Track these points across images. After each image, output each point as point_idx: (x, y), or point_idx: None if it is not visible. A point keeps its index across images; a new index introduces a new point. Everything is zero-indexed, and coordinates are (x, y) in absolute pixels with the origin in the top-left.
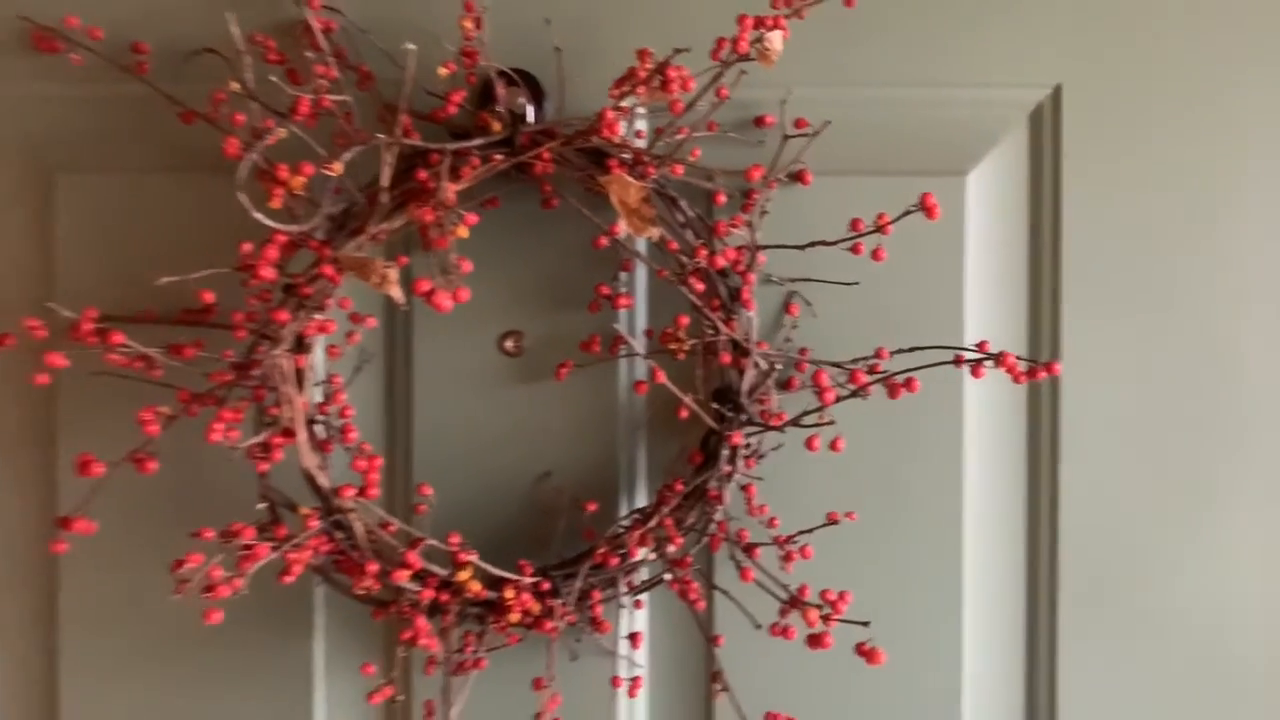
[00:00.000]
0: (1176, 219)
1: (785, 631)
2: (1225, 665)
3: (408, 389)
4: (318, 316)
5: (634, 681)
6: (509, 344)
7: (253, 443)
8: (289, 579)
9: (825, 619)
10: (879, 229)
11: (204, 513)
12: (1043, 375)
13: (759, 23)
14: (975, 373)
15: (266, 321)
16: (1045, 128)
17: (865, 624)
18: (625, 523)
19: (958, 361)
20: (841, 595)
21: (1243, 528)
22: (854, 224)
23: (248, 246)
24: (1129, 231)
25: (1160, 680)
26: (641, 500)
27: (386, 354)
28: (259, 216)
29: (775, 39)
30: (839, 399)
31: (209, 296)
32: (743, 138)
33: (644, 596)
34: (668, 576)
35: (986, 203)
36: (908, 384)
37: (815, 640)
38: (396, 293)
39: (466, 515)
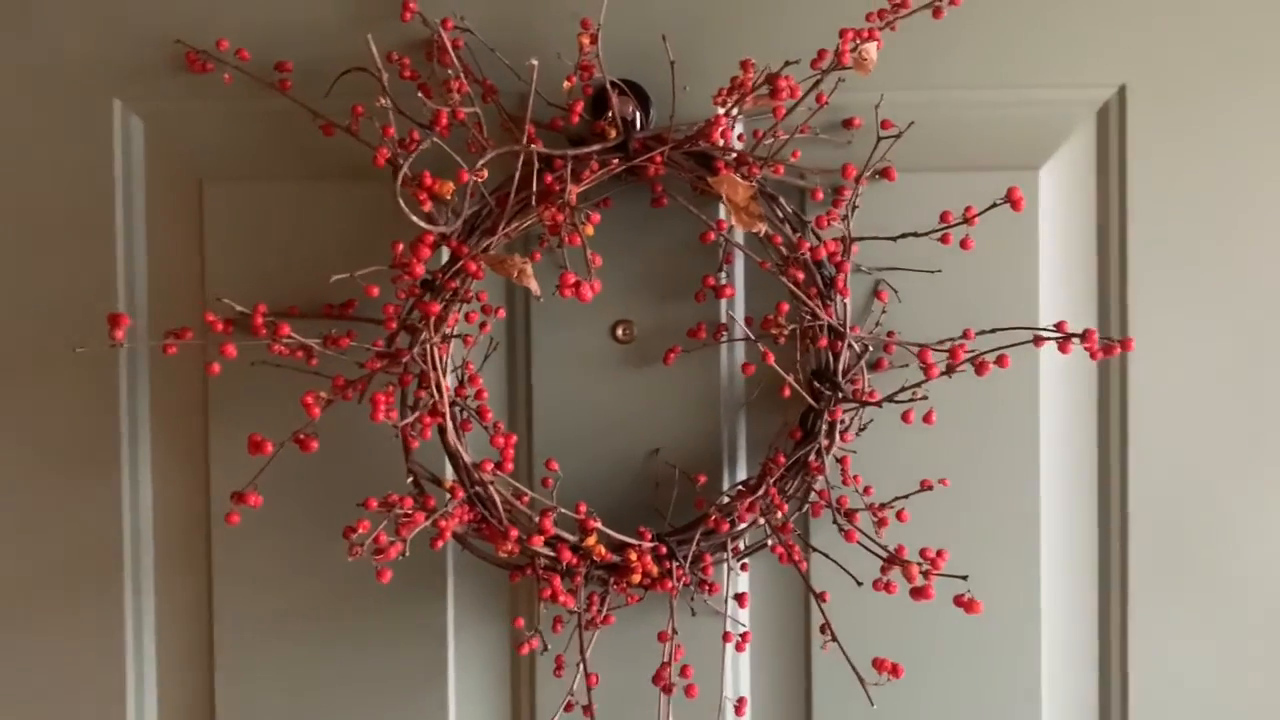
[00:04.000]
0: (1238, 210)
1: (887, 587)
2: None
3: (528, 374)
4: (462, 308)
5: (743, 637)
6: (620, 332)
7: (407, 422)
8: (440, 544)
9: (925, 574)
10: (966, 221)
11: (339, 491)
12: (1118, 351)
13: (856, 35)
14: (1063, 349)
15: (411, 313)
16: (1112, 124)
17: (964, 578)
18: (731, 493)
19: (1037, 341)
20: (940, 552)
21: None
22: (943, 216)
23: (400, 246)
24: (1192, 222)
25: (1229, 642)
26: (742, 473)
27: (509, 343)
28: (415, 219)
29: (871, 49)
30: (940, 374)
31: (374, 291)
32: (832, 138)
33: (748, 560)
34: (771, 541)
35: (1058, 195)
36: (999, 361)
37: (919, 593)
38: (534, 285)
39: (585, 488)
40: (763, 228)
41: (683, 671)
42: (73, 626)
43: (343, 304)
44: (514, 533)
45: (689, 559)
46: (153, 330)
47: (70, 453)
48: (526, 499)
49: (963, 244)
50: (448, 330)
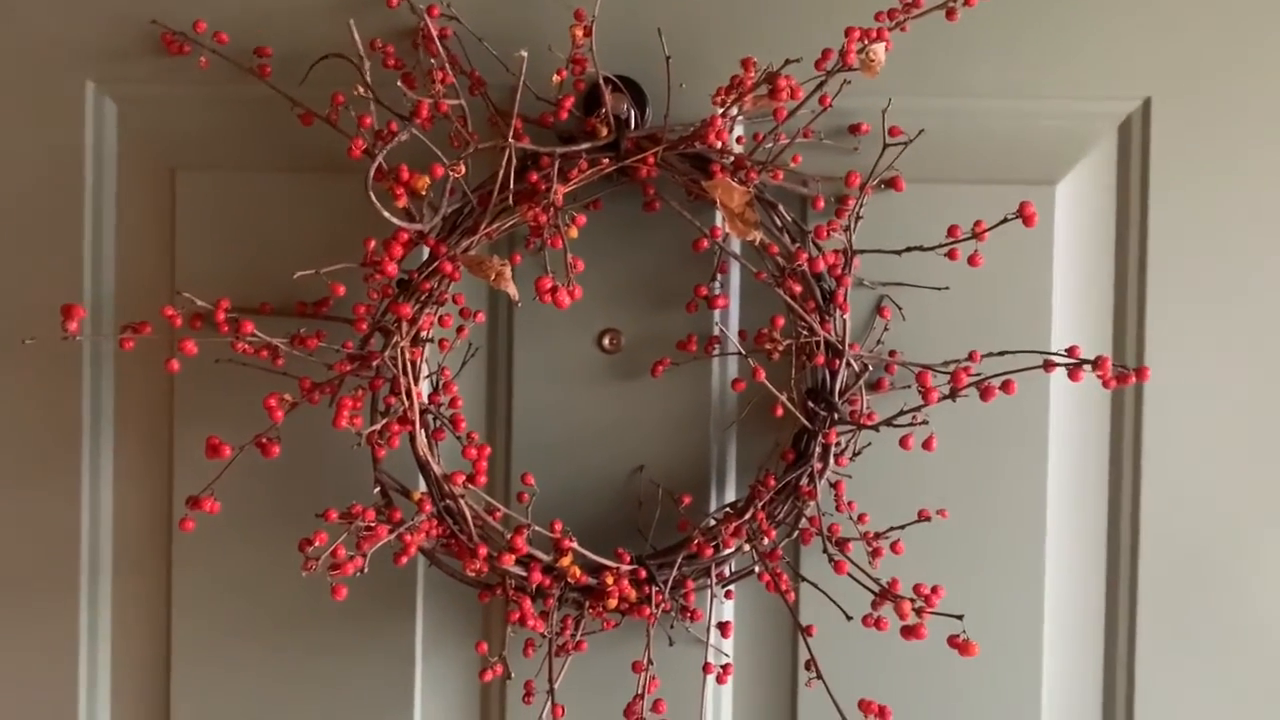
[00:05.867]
0: (1263, 230)
1: (878, 623)
2: None
3: (509, 383)
4: (437, 311)
5: (725, 669)
6: (607, 341)
7: (374, 429)
8: (404, 560)
9: (919, 612)
10: (976, 236)
11: (305, 497)
12: (1132, 381)
13: (864, 35)
14: (1074, 376)
15: (385, 315)
16: (1134, 139)
17: (959, 617)
18: (717, 515)
19: (1048, 367)
20: (934, 589)
21: None
22: (951, 230)
23: (372, 243)
24: (1215, 241)
25: (1243, 690)
26: (730, 495)
27: (490, 349)
28: (388, 215)
29: (879, 51)
30: (941, 399)
31: (340, 289)
32: (837, 144)
33: (734, 587)
34: (757, 569)
35: (1074, 212)
36: (1004, 387)
37: (910, 631)
38: (512, 289)
39: (563, 505)
40: (759, 236)
41: (655, 705)
42: (25, 631)
43: (316, 302)
44: (483, 550)
45: (669, 584)
46: (120, 323)
47: (29, 451)
48: (499, 514)
49: (971, 260)
50: (422, 334)
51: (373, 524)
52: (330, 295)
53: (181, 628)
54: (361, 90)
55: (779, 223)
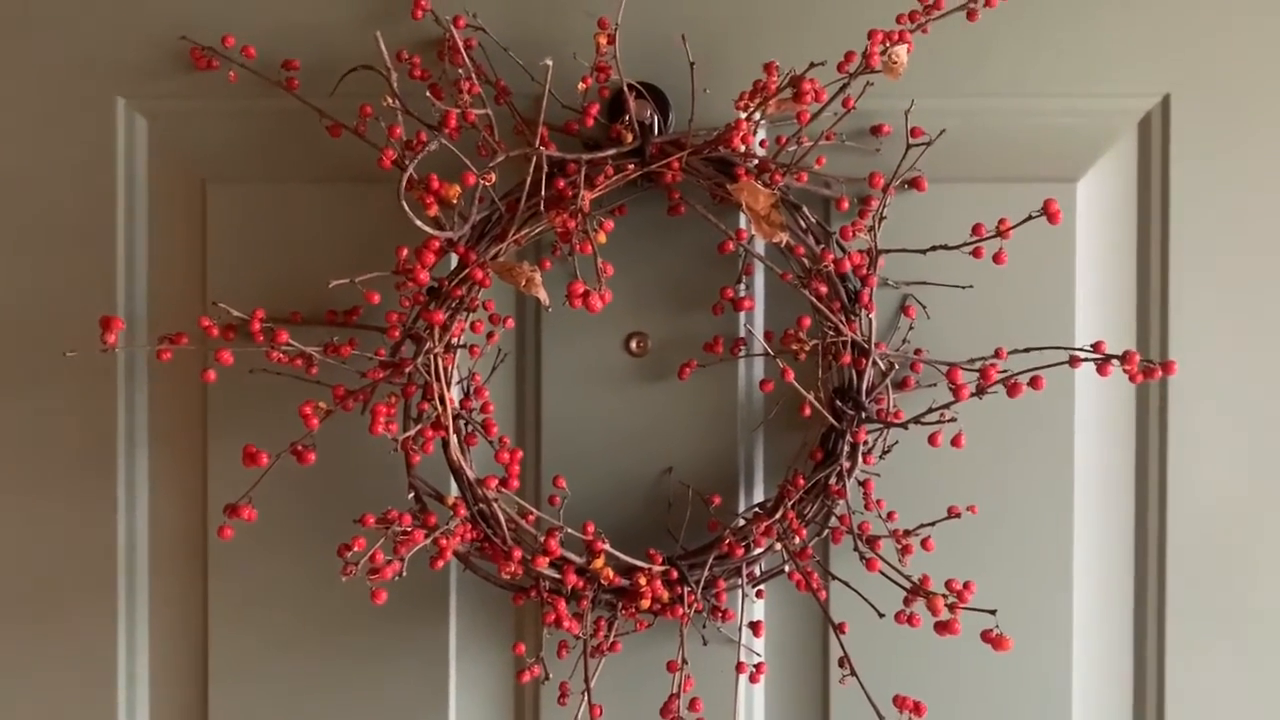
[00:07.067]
0: None
1: (910, 619)
2: None
3: (537, 387)
4: (468, 317)
5: (758, 668)
6: (634, 344)
7: (408, 435)
8: (440, 563)
9: (951, 607)
10: (999, 234)
11: (338, 505)
12: (1159, 375)
13: (886, 37)
14: (1102, 371)
15: (416, 322)
16: (1154, 135)
17: (992, 612)
18: (747, 515)
19: (1074, 362)
20: (967, 585)
21: None
22: (975, 229)
23: (404, 252)
24: (1236, 237)
25: (1268, 675)
26: (759, 495)
27: (518, 353)
28: (420, 224)
29: (901, 53)
30: (970, 395)
31: (375, 298)
32: (860, 146)
33: (765, 586)
34: (788, 568)
35: (1096, 209)
36: (1033, 382)
37: (944, 627)
38: (542, 294)
39: (594, 507)
40: (784, 238)
41: (692, 704)
42: (65, 639)
43: (347, 311)
44: (517, 553)
45: (701, 584)
46: (152, 336)
47: (66, 461)
48: (532, 518)
49: (995, 258)
50: (453, 340)
51: (409, 529)
52: (362, 303)
53: (219, 635)
54: (390, 101)
55: (803, 224)
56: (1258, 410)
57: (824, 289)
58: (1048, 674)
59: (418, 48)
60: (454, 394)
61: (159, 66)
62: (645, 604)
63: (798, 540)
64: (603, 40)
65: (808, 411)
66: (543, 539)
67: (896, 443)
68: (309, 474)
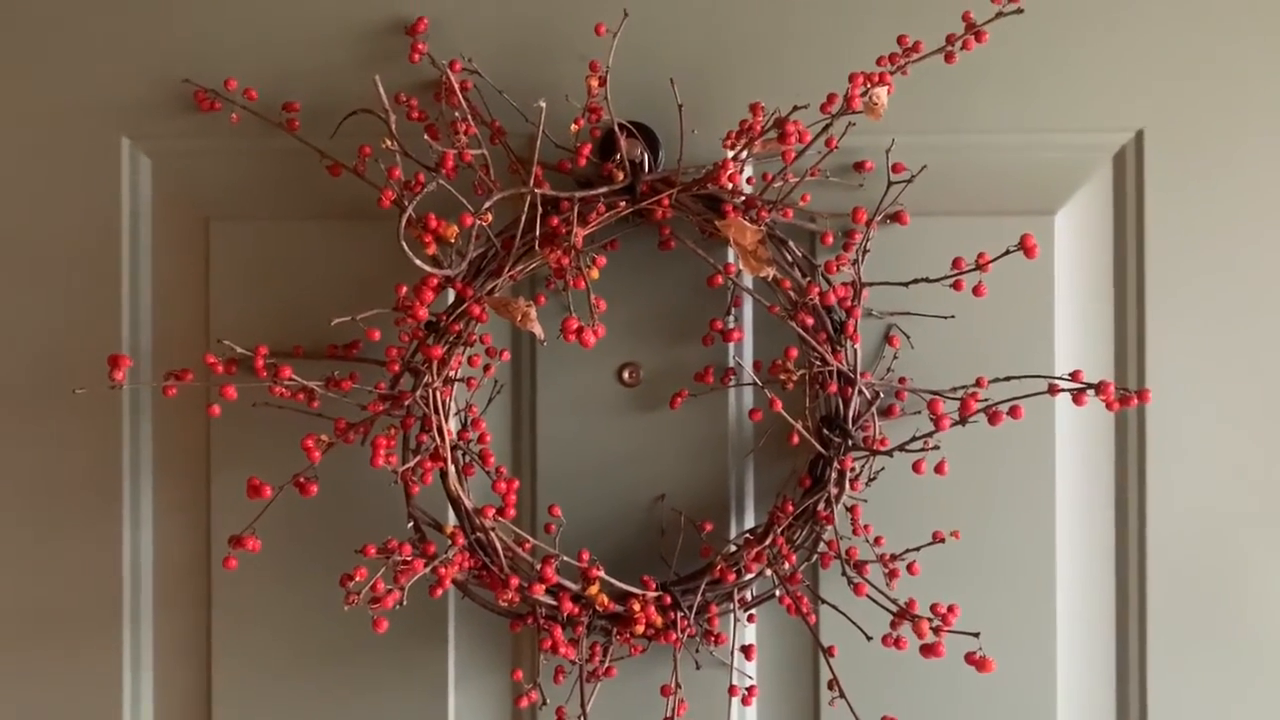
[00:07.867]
0: (1257, 257)
1: (897, 642)
2: None
3: (533, 418)
4: (467, 351)
5: (750, 691)
6: (627, 375)
7: (408, 467)
8: (439, 591)
9: (936, 630)
10: (979, 267)
11: (338, 536)
12: (1135, 403)
13: (867, 79)
14: (1078, 401)
15: (415, 356)
16: (1129, 169)
17: (975, 635)
18: (738, 541)
19: (1053, 390)
20: (951, 608)
21: None
22: (955, 262)
23: (404, 289)
24: (1211, 269)
25: (1253, 701)
26: (750, 521)
27: (513, 385)
28: (419, 263)
29: (882, 94)
30: (951, 425)
31: (375, 334)
32: (843, 181)
33: (756, 611)
34: (779, 592)
35: (1073, 241)
36: (1012, 411)
37: (929, 650)
38: (537, 329)
39: (589, 534)
40: (771, 272)
41: None
42: (70, 668)
43: (347, 345)
44: (515, 581)
45: (694, 609)
46: (156, 371)
47: (72, 493)
48: (529, 546)
49: (975, 290)
50: (451, 373)
51: (409, 558)
52: (363, 339)
53: (221, 664)
54: (389, 143)
55: (790, 258)
56: (1233, 435)
57: (810, 320)
58: (1032, 694)
59: (415, 89)
60: (452, 426)
61: (163, 108)
62: (639, 629)
63: (787, 565)
64: (594, 82)
65: (796, 439)
66: (539, 566)
67: (883, 469)
68: (311, 504)
